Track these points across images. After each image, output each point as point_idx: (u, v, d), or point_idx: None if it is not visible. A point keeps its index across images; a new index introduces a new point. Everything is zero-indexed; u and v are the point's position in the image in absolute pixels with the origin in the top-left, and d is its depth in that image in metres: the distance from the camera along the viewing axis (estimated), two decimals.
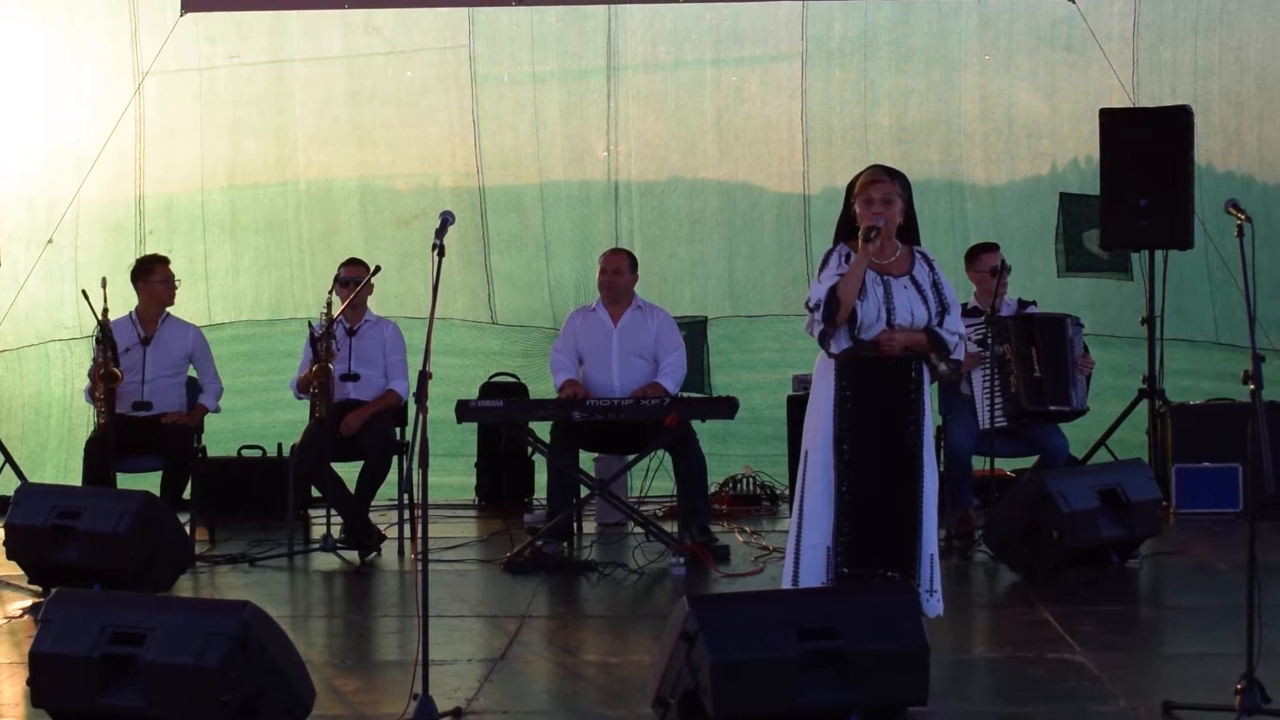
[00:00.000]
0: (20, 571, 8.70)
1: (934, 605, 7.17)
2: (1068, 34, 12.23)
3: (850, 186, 7.25)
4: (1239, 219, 6.31)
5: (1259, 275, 6.31)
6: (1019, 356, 9.63)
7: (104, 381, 9.75)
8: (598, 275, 10.34)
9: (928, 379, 7.22)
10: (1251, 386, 6.05)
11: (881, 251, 7.08)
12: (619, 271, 10.23)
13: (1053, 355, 9.71)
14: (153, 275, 10.38)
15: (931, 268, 7.22)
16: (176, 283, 10.47)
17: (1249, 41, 12.31)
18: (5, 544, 8.66)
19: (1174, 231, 11.02)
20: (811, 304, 7.05)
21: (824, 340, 7.07)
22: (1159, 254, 11.18)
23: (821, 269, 7.15)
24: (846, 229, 7.23)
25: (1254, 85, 12.34)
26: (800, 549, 7.12)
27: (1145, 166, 11.00)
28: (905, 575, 7.03)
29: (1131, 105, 11.83)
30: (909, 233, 7.27)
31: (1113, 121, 11.24)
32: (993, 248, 10.16)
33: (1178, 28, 12.26)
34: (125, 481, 9.83)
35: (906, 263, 7.20)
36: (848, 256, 7.09)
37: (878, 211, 7.03)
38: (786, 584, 7.19)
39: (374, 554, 9.84)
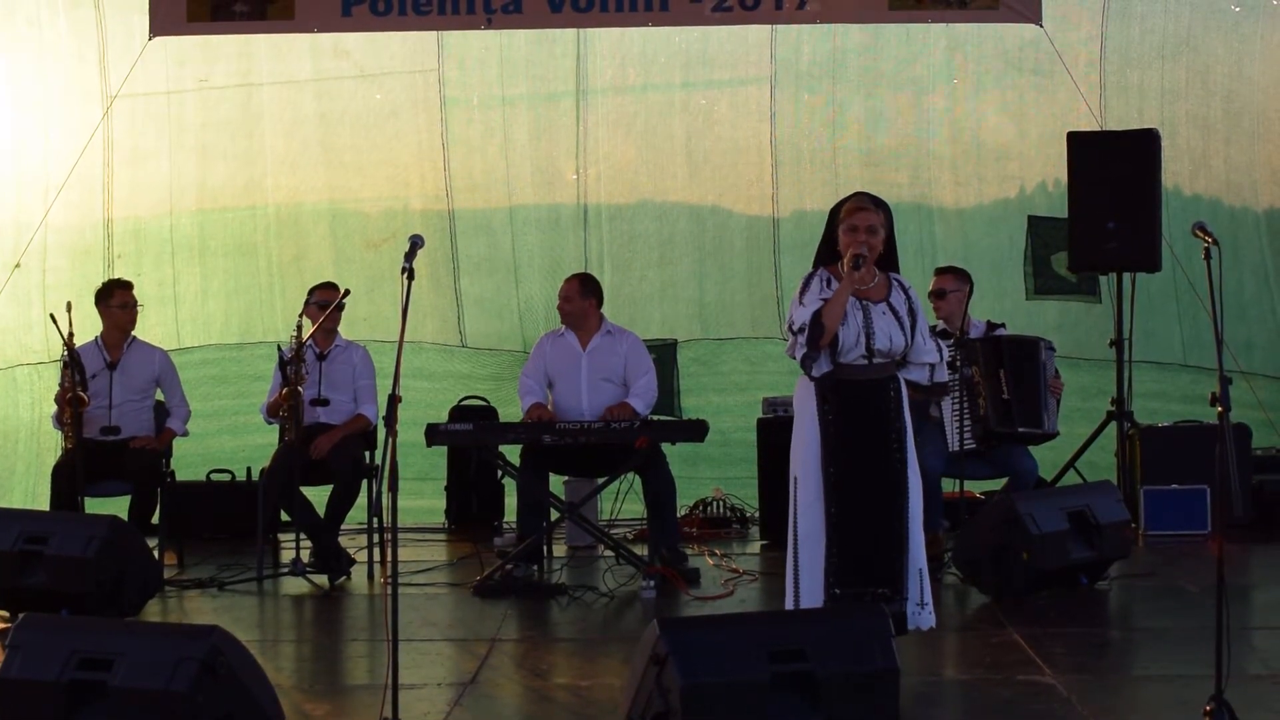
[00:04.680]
0: None
1: (926, 618, 7.19)
2: (1035, 58, 12.28)
3: (834, 212, 7.28)
4: (1206, 242, 6.33)
5: (1226, 298, 6.34)
6: (987, 379, 9.64)
7: (71, 406, 9.72)
8: None
9: (905, 396, 7.25)
10: (1219, 409, 6.07)
11: (862, 278, 7.11)
12: (569, 299, 10.24)
13: (1024, 377, 9.72)
14: (111, 300, 10.38)
15: (908, 295, 7.26)
16: (139, 307, 10.46)
17: (1215, 65, 12.38)
18: None
19: (1142, 254, 11.07)
20: (795, 327, 7.08)
21: (805, 364, 7.10)
22: (1127, 276, 11.22)
23: (802, 292, 7.16)
24: (828, 253, 7.25)
25: (1220, 109, 12.42)
26: (800, 573, 7.12)
27: (1113, 189, 11.05)
28: (894, 591, 7.06)
29: (1099, 129, 11.89)
30: (888, 260, 7.30)
31: (1080, 145, 11.28)
32: (941, 272, 10.19)
33: (1144, 52, 12.33)
34: (93, 506, 9.77)
35: (885, 289, 7.23)
36: (829, 281, 7.12)
37: (862, 240, 7.07)
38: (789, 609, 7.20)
39: (343, 578, 9.82)
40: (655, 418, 10.33)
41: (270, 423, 10.21)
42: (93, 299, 10.43)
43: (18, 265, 12.12)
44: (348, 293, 10.11)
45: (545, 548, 10.27)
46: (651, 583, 9.19)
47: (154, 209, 12.52)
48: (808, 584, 7.09)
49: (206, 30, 12.23)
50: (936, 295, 9.96)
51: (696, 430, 9.50)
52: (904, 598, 7.08)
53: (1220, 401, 6.07)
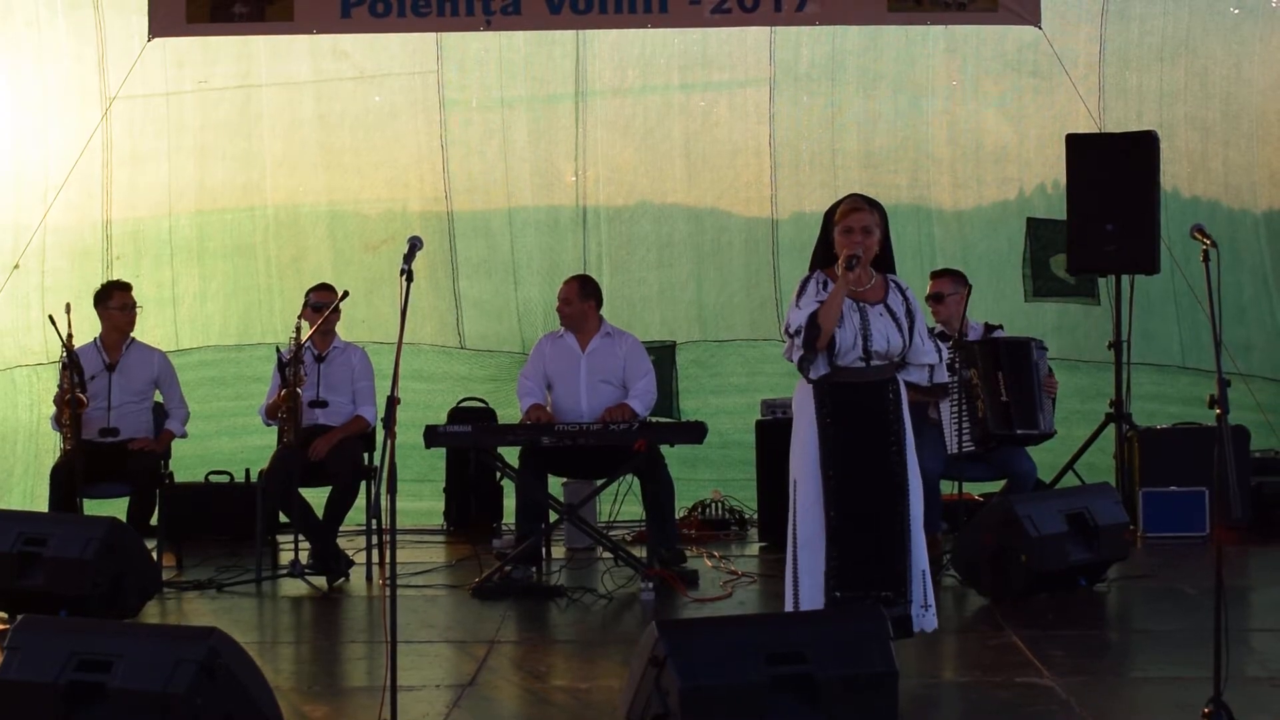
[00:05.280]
0: None
1: (930, 620, 7.21)
2: (1034, 60, 12.28)
3: (829, 214, 7.27)
4: (1204, 244, 6.33)
5: (1224, 300, 6.34)
6: (985, 381, 9.64)
7: (70, 407, 9.71)
8: None
9: (905, 398, 7.25)
10: (1217, 410, 6.07)
11: (858, 279, 7.11)
12: (568, 301, 10.27)
13: (1019, 379, 9.72)
14: (110, 301, 10.38)
15: (905, 296, 7.25)
16: (137, 309, 10.47)
17: (1214, 67, 12.38)
18: None
19: (1140, 256, 11.07)
20: (792, 330, 7.08)
21: (803, 366, 7.09)
22: (1125, 278, 11.22)
23: (799, 295, 7.16)
24: (824, 256, 7.25)
25: (1219, 111, 12.41)
26: (799, 577, 7.12)
27: (1112, 191, 11.05)
28: (897, 594, 7.06)
29: (1098, 130, 11.89)
30: (884, 261, 7.30)
31: (1079, 147, 11.29)
32: (937, 275, 10.20)
33: (1143, 54, 12.33)
34: (92, 508, 9.78)
35: (881, 291, 7.22)
36: (825, 284, 7.12)
37: (857, 241, 7.07)
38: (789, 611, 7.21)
39: (342, 579, 9.82)
40: (654, 419, 10.32)
41: (269, 424, 10.21)
42: (91, 300, 10.43)
43: (16, 266, 12.11)
44: (345, 294, 10.11)
45: (544, 549, 10.27)
46: (650, 585, 9.19)
47: (153, 210, 12.51)
48: (807, 587, 7.09)
49: (205, 31, 12.22)
50: (934, 299, 9.98)
51: (695, 432, 9.49)
52: (907, 600, 7.09)
53: (1219, 404, 6.08)
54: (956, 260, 11.48)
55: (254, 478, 10.74)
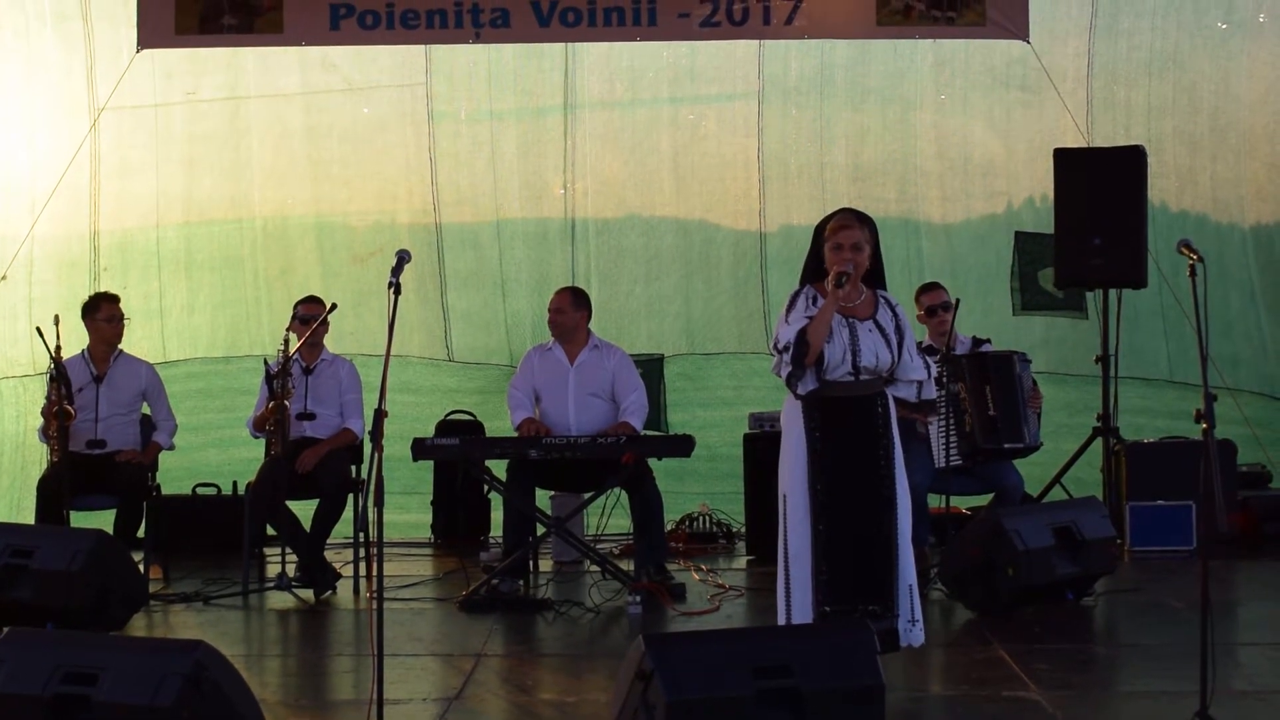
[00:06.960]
0: None
1: (917, 635, 7.19)
2: (1022, 74, 12.30)
3: (819, 229, 7.27)
4: (1191, 259, 6.35)
5: (1212, 314, 6.37)
6: (973, 395, 9.64)
7: (57, 419, 9.69)
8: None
9: (894, 412, 7.26)
10: (1204, 425, 6.08)
11: (848, 295, 7.10)
12: (561, 310, 10.25)
13: (1004, 393, 9.73)
14: (98, 313, 10.36)
15: (894, 312, 7.25)
16: (125, 320, 10.45)
17: (1201, 82, 12.40)
18: None
19: (1128, 270, 11.09)
20: (780, 345, 7.08)
21: (791, 382, 7.09)
22: (1113, 293, 11.24)
23: (789, 310, 7.16)
24: (814, 270, 7.25)
25: (1207, 125, 12.43)
26: (790, 591, 7.12)
27: (1099, 206, 11.06)
28: (885, 608, 7.06)
29: (1086, 145, 11.90)
30: (874, 276, 7.30)
31: (1067, 161, 11.31)
32: (932, 288, 10.20)
33: (1131, 68, 12.35)
34: (79, 520, 9.76)
35: (871, 306, 7.23)
36: (815, 299, 7.12)
37: (848, 258, 7.06)
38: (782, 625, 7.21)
39: (329, 592, 9.81)
40: (642, 433, 10.32)
41: (256, 436, 10.20)
42: (79, 312, 10.41)
43: (3, 278, 12.09)
44: (334, 307, 10.09)
45: (531, 563, 10.26)
46: (638, 598, 9.18)
47: (140, 222, 12.50)
48: (798, 602, 7.08)
49: (194, 43, 12.22)
50: (942, 309, 9.95)
51: (683, 445, 9.50)
52: (895, 614, 7.09)
53: (1205, 418, 6.09)
54: (945, 274, 11.49)
55: (241, 490, 10.74)
